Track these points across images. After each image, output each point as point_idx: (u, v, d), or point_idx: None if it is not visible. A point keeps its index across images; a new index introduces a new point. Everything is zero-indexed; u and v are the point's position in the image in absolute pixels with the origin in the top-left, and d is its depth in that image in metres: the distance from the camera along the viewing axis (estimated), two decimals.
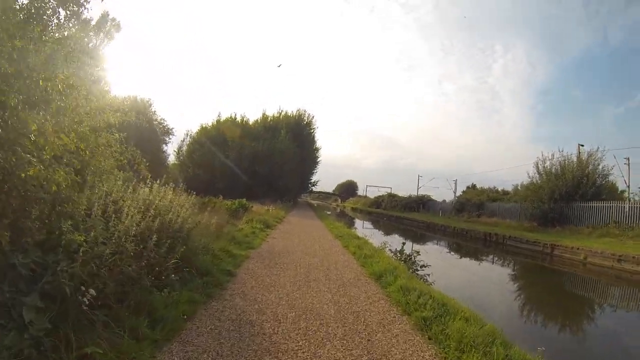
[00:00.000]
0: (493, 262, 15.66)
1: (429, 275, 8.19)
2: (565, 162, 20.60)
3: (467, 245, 20.50)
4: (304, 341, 3.39)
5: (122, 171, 5.09)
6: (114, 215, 3.59)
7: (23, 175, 2.41)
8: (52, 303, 2.51)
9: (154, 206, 4.59)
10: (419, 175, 52.00)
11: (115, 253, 3.21)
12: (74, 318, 2.57)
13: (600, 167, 19.68)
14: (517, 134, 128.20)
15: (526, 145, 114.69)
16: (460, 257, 16.96)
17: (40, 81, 2.81)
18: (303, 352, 3.16)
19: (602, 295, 10.60)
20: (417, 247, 12.01)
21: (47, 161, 2.62)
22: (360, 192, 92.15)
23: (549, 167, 21.32)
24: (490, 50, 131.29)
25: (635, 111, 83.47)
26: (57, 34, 3.71)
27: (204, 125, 37.41)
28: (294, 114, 39.74)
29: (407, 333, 3.84)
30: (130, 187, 4.81)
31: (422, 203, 42.71)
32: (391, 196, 53.14)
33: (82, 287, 2.65)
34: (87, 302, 2.62)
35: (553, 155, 21.38)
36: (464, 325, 3.86)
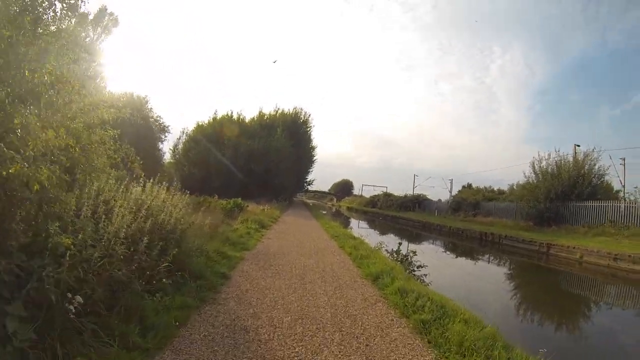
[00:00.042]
0: (489, 262, 15.70)
1: (425, 275, 8.12)
2: (561, 162, 20.74)
3: (463, 244, 20.55)
4: (301, 347, 3.29)
5: (115, 169, 4.93)
6: (104, 216, 3.44)
7: (4, 173, 2.27)
8: (38, 311, 2.39)
9: (146, 206, 4.43)
10: (414, 175, 52.04)
11: (104, 256, 3.08)
12: (60, 327, 2.45)
13: (596, 167, 19.83)
14: (513, 134, 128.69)
15: (522, 145, 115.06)
16: (457, 257, 16.99)
17: (26, 72, 2.68)
18: None
19: (599, 293, 10.68)
20: (413, 247, 11.95)
21: (31, 158, 2.48)
22: (356, 191, 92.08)
23: (545, 167, 21.42)
24: (488, 50, 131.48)
25: (631, 113, 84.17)
26: (52, 27, 3.55)
27: (200, 123, 36.85)
28: (291, 112, 39.56)
29: (406, 337, 3.75)
30: (123, 186, 4.66)
31: (418, 202, 42.72)
32: (387, 195, 53.05)
33: (68, 293, 2.53)
34: (74, 310, 2.50)
35: (549, 155, 21.51)
36: (464, 327, 3.79)
